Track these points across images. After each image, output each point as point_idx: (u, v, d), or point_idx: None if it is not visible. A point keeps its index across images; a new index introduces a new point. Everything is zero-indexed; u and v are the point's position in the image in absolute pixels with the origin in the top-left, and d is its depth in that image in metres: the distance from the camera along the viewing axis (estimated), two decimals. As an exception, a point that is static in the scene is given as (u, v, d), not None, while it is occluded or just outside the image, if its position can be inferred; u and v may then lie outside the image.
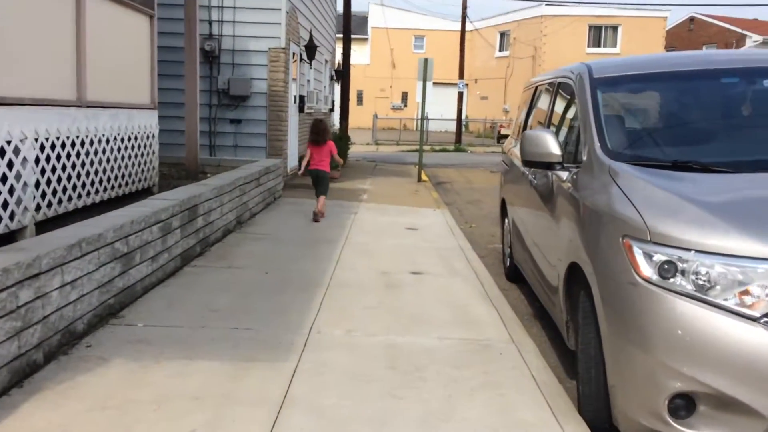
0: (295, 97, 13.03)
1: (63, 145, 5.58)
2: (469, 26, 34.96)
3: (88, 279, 4.08)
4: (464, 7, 31.61)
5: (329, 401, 3.30)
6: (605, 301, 3.03)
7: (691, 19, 45.28)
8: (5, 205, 4.84)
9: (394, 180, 14.80)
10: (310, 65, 14.59)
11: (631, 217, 2.98)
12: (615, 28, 38.46)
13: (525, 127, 6.28)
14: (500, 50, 43.08)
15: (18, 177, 4.95)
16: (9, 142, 4.84)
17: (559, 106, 5.11)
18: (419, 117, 16.31)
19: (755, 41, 40.45)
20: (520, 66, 39.67)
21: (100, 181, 6.35)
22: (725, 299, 2.64)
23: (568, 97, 4.80)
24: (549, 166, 4.18)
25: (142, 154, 7.40)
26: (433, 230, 8.47)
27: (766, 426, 2.52)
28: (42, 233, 4.30)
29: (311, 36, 13.91)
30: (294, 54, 12.67)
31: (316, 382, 3.52)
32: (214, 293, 5.11)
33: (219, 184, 7.11)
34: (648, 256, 2.81)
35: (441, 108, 39.17)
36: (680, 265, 2.73)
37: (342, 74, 19.45)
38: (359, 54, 40.74)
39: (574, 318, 3.70)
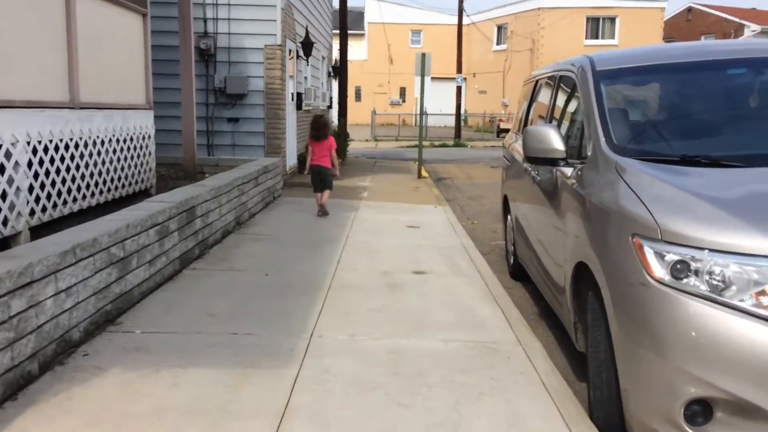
0: (292, 94, 12.91)
1: (56, 148, 5.48)
2: (466, 20, 34.84)
3: (83, 286, 3.98)
4: (461, 1, 31.43)
5: (332, 411, 3.20)
6: (615, 302, 2.93)
7: (689, 9, 45.09)
8: (-2, 210, 4.74)
9: (394, 177, 14.70)
10: (307, 62, 14.47)
11: (641, 215, 2.88)
12: (613, 20, 38.27)
13: (526, 122, 6.18)
14: (498, 44, 42.90)
15: (10, 182, 4.85)
16: (0, 146, 4.74)
17: (561, 100, 5.01)
18: (418, 112, 16.19)
19: (753, 31, 40.28)
20: (518, 59, 39.51)
21: (96, 184, 6.25)
22: (741, 300, 2.54)
23: (570, 90, 4.69)
24: (552, 162, 4.08)
25: (139, 156, 7.29)
26: (435, 228, 8.37)
27: (786, 432, 2.43)
28: (37, 238, 4.19)
29: (307, 32, 13.79)
30: (290, 51, 12.55)
31: (318, 391, 3.42)
32: (214, 297, 5.01)
33: (217, 185, 7.00)
34: (659, 256, 2.71)
35: (439, 103, 39.04)
36: (693, 265, 2.63)
37: (339, 70, 19.34)
38: (356, 50, 40.57)
39: (582, 319, 3.60)
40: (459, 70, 31.53)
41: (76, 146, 5.82)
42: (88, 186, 6.08)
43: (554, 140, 3.97)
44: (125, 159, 6.91)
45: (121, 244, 4.52)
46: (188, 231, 5.95)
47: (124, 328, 4.27)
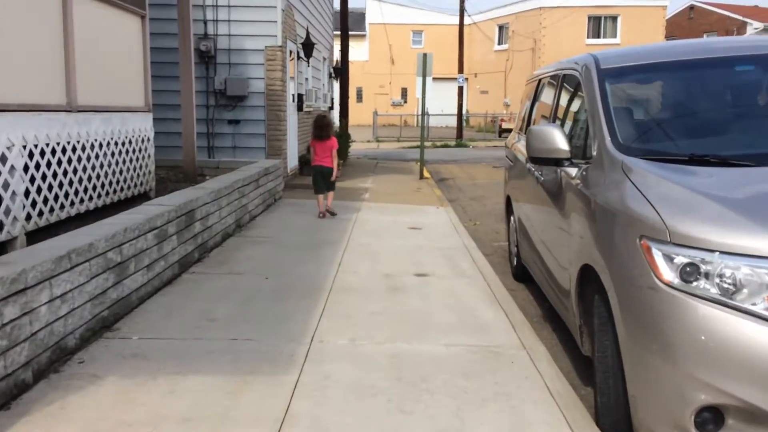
0: (293, 95, 12.85)
1: (53, 152, 5.41)
2: (467, 20, 34.75)
3: (79, 292, 3.91)
4: (462, 1, 31.35)
5: (332, 418, 3.12)
6: (623, 306, 2.85)
7: (691, 8, 44.97)
8: (-6, 215, 4.67)
9: (396, 177, 14.62)
10: (308, 63, 14.41)
11: (649, 217, 2.80)
12: (614, 19, 38.17)
13: (529, 122, 6.10)
14: (499, 43, 42.81)
15: (6, 186, 4.78)
16: (-4, 151, 4.68)
17: (564, 99, 4.94)
18: (420, 113, 16.11)
19: (756, 28, 40.13)
20: (519, 59, 39.42)
21: (94, 188, 6.18)
22: (753, 304, 2.46)
23: (574, 89, 4.62)
24: (557, 162, 4.00)
25: (138, 158, 7.22)
26: (437, 229, 8.30)
27: (801, 440, 2.35)
28: (34, 243, 4.12)
29: (308, 33, 13.72)
30: (291, 52, 12.48)
31: (318, 397, 3.35)
32: (213, 301, 4.94)
33: (217, 187, 6.94)
34: (668, 259, 2.63)
35: (441, 103, 38.95)
36: (703, 268, 2.55)
37: (340, 71, 19.27)
38: (357, 51, 40.53)
39: (588, 323, 3.52)
40: (460, 70, 31.43)
41: (74, 150, 5.76)
42: (86, 190, 6.01)
43: (558, 140, 3.89)
44: (124, 162, 6.84)
45: (119, 249, 4.45)
46: (187, 234, 5.89)
47: (121, 335, 4.20)
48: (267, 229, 7.99)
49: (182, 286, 5.35)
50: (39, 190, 5.21)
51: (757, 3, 44.31)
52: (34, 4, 5.23)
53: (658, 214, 2.76)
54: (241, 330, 4.31)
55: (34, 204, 5.14)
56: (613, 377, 2.97)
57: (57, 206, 5.49)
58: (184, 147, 9.12)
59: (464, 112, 34.81)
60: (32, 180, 5.11)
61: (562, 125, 4.61)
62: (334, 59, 20.43)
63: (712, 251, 2.54)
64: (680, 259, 2.59)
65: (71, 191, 5.73)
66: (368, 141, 30.22)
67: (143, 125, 7.36)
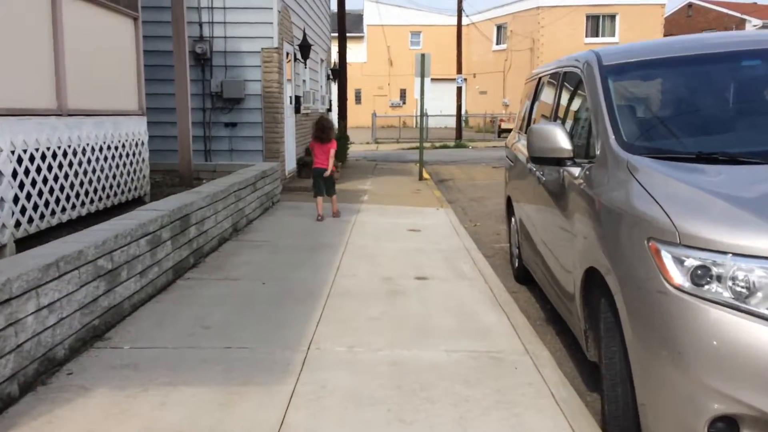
0: (290, 97, 12.73)
1: (43, 157, 5.29)
2: (465, 20, 34.67)
3: (68, 300, 3.79)
4: (460, 1, 31.25)
5: (329, 429, 3.01)
6: (631, 311, 2.73)
7: (690, 5, 44.83)
8: (-18, 222, 4.56)
9: (395, 179, 14.51)
10: (305, 65, 14.29)
11: (657, 218, 2.68)
12: (613, 17, 38.04)
13: (529, 121, 5.98)
14: (497, 43, 42.69)
15: (-5, 192, 4.67)
16: (-16, 156, 4.56)
17: (565, 97, 4.82)
18: (418, 114, 15.99)
19: (755, 25, 40.00)
20: (518, 59, 39.30)
21: (87, 193, 6.06)
22: (768, 308, 2.34)
23: (576, 87, 4.50)
24: (559, 161, 3.88)
25: (131, 163, 7.10)
26: (437, 231, 8.18)
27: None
28: (24, 250, 4.01)
29: (305, 35, 13.61)
30: (288, 54, 12.37)
31: (315, 408, 3.23)
32: (208, 308, 4.82)
33: (212, 191, 6.82)
34: (678, 261, 2.51)
35: (440, 104, 38.88)
36: (715, 270, 2.43)
37: (338, 73, 19.15)
38: (356, 52, 40.40)
39: (593, 327, 3.40)
40: (459, 70, 31.32)
41: (65, 154, 5.64)
42: (78, 195, 5.89)
43: (560, 139, 3.77)
44: (117, 167, 6.72)
45: (109, 256, 4.33)
46: (182, 239, 5.77)
47: (113, 344, 4.08)
48: (264, 232, 7.88)
49: (177, 293, 5.23)
50: (29, 197, 5.09)
51: (755, 0, 44.15)
52: (22, 5, 5.11)
53: (667, 214, 2.64)
54: (236, 338, 4.20)
55: (23, 211, 5.02)
56: (621, 384, 2.85)
57: (48, 212, 5.37)
58: (180, 150, 9.00)
59: (463, 112, 34.72)
60: (21, 186, 4.99)
61: (564, 124, 4.49)
62: (332, 61, 20.32)
63: (725, 253, 2.42)
64: (691, 262, 2.47)
65: (62, 197, 5.61)
66: (367, 143, 30.10)
67: (137, 129, 7.25)
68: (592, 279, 3.30)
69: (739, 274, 2.39)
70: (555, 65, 5.36)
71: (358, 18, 45.81)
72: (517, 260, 6.15)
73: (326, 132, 8.65)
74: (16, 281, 3.26)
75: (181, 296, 5.14)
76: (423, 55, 14.00)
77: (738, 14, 40.98)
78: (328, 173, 8.76)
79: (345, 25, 19.09)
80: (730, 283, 2.40)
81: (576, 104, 4.48)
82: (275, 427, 3.02)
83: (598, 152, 3.59)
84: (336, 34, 19.22)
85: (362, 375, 3.62)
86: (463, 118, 35.26)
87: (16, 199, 4.92)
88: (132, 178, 7.12)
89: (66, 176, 5.66)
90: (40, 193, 5.25)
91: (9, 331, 3.21)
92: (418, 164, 15.18)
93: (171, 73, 9.37)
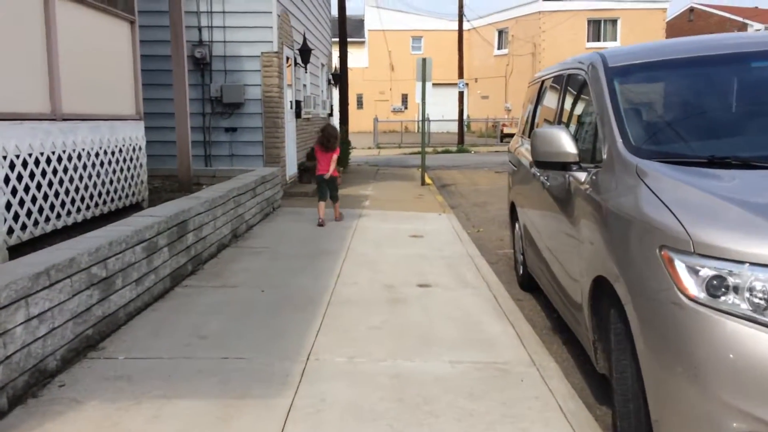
0: (291, 102, 12.64)
1: (37, 162, 5.18)
2: (466, 25, 34.58)
3: (59, 310, 3.68)
4: (461, 6, 31.17)
5: (328, 446, 2.89)
6: (642, 322, 2.61)
7: (691, 10, 44.76)
8: (-26, 230, 4.45)
9: (397, 184, 14.40)
10: (306, 69, 14.20)
11: (669, 225, 2.56)
12: (614, 22, 37.98)
13: (532, 125, 5.87)
14: (499, 48, 42.64)
15: (-13, 199, 4.56)
16: (-24, 162, 4.46)
17: (570, 100, 4.71)
18: (420, 118, 15.90)
19: (757, 29, 39.91)
20: (519, 63, 39.23)
21: (82, 199, 5.95)
22: (788, 320, 2.22)
23: (580, 90, 4.39)
24: (564, 166, 3.77)
25: (128, 168, 7.00)
26: (439, 237, 8.06)
27: None
28: (17, 257, 3.90)
29: (305, 39, 13.52)
30: (288, 58, 12.28)
31: (313, 422, 3.11)
32: (206, 316, 4.71)
33: (211, 197, 6.71)
34: (693, 271, 2.39)
35: (442, 109, 38.77)
36: (732, 281, 2.31)
37: (339, 78, 19.08)
38: (357, 57, 40.38)
39: (603, 339, 3.28)
40: (461, 75, 31.22)
41: (59, 159, 5.53)
42: (73, 201, 5.78)
43: (565, 143, 3.66)
44: (114, 172, 6.62)
45: (103, 263, 4.22)
46: (180, 246, 5.66)
47: (107, 354, 3.97)
48: (264, 238, 7.77)
49: (174, 301, 5.12)
50: (22, 203, 4.99)
51: (757, 4, 44.11)
52: (14, 8, 5.01)
53: (680, 221, 2.52)
54: (234, 348, 4.08)
55: (16, 217, 4.91)
56: (633, 400, 2.73)
57: (42, 219, 5.27)
58: (179, 156, 8.91)
59: (465, 117, 34.61)
60: (14, 192, 4.89)
61: (568, 127, 4.37)
62: (333, 66, 20.24)
63: (741, 262, 2.31)
64: (706, 272, 2.36)
65: (57, 203, 5.51)
66: (369, 148, 30.01)
67: (134, 134, 7.15)
68: (601, 288, 3.19)
69: (757, 285, 2.27)
70: (558, 68, 5.25)
71: (359, 23, 45.80)
72: (521, 267, 6.04)
73: (332, 141, 8.77)
74: (4, 291, 3.16)
75: (179, 304, 5.03)
76: (424, 59, 13.92)
77: (740, 18, 40.89)
78: (329, 175, 8.79)
79: (346, 29, 19.04)
80: (747, 294, 2.28)
81: (580, 107, 4.37)
82: (272, 443, 2.91)
83: (604, 156, 3.48)
84: (337, 39, 19.15)
85: (363, 387, 3.51)
86: (465, 123, 35.13)
87: (8, 206, 4.81)
88: (129, 184, 7.02)
89: (61, 182, 5.56)
90: (34, 200, 5.15)
91: (-3, 342, 3.10)
92: (420, 169, 15.08)
93: (170, 78, 9.28)
